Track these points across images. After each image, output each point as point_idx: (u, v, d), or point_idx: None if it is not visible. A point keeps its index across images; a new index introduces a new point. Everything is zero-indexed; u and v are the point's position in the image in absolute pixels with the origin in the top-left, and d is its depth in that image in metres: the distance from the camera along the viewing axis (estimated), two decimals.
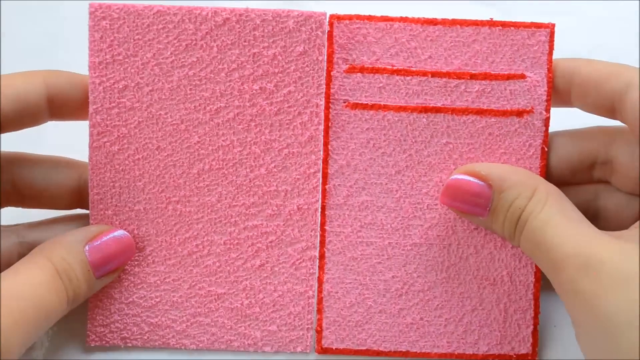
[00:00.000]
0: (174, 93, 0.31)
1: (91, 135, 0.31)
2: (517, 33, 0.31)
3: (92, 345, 0.33)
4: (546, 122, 0.31)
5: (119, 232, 0.32)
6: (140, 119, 0.31)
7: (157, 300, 0.33)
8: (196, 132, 0.32)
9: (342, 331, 0.32)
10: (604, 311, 0.25)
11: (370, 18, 0.31)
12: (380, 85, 0.31)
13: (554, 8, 0.39)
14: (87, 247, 0.31)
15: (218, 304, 0.33)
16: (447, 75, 0.31)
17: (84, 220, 0.33)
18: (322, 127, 0.32)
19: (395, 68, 0.31)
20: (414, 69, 0.31)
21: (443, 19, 0.31)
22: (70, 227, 0.33)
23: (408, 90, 0.31)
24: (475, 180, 0.30)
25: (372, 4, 0.34)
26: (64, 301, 0.30)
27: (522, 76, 0.30)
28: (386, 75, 0.31)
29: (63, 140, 0.34)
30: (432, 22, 0.31)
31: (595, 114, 0.31)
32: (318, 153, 0.32)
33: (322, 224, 0.32)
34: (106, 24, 0.30)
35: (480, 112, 0.31)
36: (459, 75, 0.31)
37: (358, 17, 0.31)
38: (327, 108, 0.31)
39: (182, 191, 0.32)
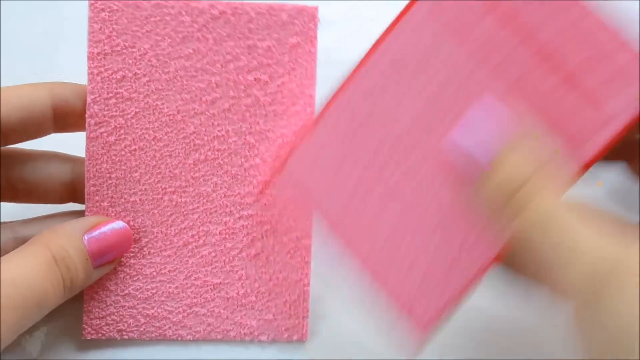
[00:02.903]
0: (171, 84, 0.32)
1: (88, 125, 0.32)
2: None
3: (88, 338, 0.33)
4: (586, 165, 0.26)
5: (118, 223, 0.32)
6: (137, 109, 0.32)
7: (153, 291, 0.33)
8: (192, 122, 0.32)
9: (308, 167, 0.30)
10: (625, 320, 0.21)
11: None
12: (476, 15, 0.26)
13: None
14: (86, 237, 0.31)
15: (214, 294, 0.33)
16: (539, 48, 0.26)
17: (78, 215, 0.33)
18: (315, 118, 0.33)
19: (501, 12, 0.26)
20: (517, 22, 0.26)
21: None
22: (65, 221, 0.33)
23: (494, 38, 0.26)
24: (499, 118, 0.26)
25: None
26: (59, 289, 0.30)
27: (605, 105, 0.25)
28: (489, 10, 0.26)
29: (57, 136, 0.34)
30: None
31: None
32: None
33: (354, 70, 0.29)
34: (105, 15, 0.31)
35: (540, 110, 0.26)
36: (548, 56, 0.26)
37: None
38: (413, 2, 0.27)
39: (178, 181, 0.33)
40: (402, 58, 0.28)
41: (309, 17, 0.32)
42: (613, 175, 0.31)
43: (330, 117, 0.29)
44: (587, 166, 0.26)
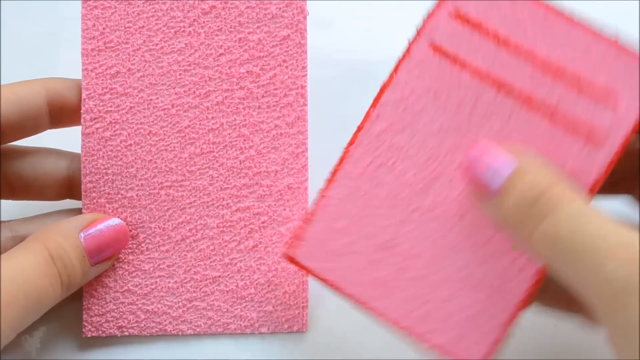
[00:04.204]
0: (165, 78, 0.33)
1: (84, 121, 0.32)
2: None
3: (89, 335, 0.33)
4: (609, 165, 0.28)
5: (114, 220, 0.32)
6: (132, 104, 0.32)
7: (153, 287, 0.33)
8: (187, 116, 0.33)
9: (316, 251, 0.31)
10: None
11: None
12: (473, 41, 0.29)
13: None
14: (82, 234, 0.31)
15: (213, 288, 0.33)
16: (541, 64, 0.28)
17: (76, 213, 0.34)
18: (307, 108, 0.33)
19: (495, 33, 0.29)
20: (512, 42, 0.29)
21: (570, 15, 0.29)
22: (62, 219, 0.33)
23: (495, 60, 0.29)
24: (503, 153, 0.27)
25: None
26: (57, 286, 0.30)
27: (615, 105, 0.28)
28: (484, 35, 0.29)
29: (53, 133, 0.34)
30: (557, 13, 0.29)
31: None
32: (305, 133, 0.34)
33: (350, 144, 0.30)
34: (98, 12, 0.32)
35: (551, 116, 0.28)
36: (551, 69, 0.28)
37: None
38: (414, 41, 0.30)
39: (174, 176, 0.33)
40: (410, 95, 0.30)
41: (298, 10, 0.33)
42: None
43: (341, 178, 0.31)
44: (611, 164, 0.28)
